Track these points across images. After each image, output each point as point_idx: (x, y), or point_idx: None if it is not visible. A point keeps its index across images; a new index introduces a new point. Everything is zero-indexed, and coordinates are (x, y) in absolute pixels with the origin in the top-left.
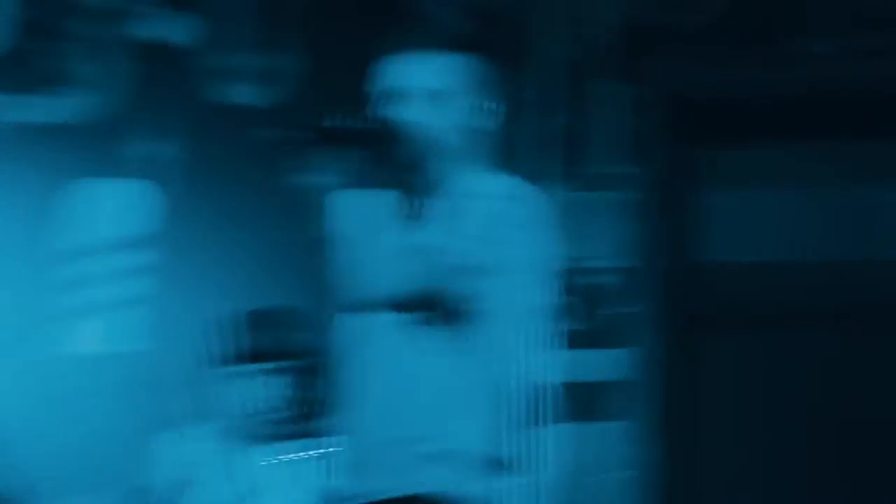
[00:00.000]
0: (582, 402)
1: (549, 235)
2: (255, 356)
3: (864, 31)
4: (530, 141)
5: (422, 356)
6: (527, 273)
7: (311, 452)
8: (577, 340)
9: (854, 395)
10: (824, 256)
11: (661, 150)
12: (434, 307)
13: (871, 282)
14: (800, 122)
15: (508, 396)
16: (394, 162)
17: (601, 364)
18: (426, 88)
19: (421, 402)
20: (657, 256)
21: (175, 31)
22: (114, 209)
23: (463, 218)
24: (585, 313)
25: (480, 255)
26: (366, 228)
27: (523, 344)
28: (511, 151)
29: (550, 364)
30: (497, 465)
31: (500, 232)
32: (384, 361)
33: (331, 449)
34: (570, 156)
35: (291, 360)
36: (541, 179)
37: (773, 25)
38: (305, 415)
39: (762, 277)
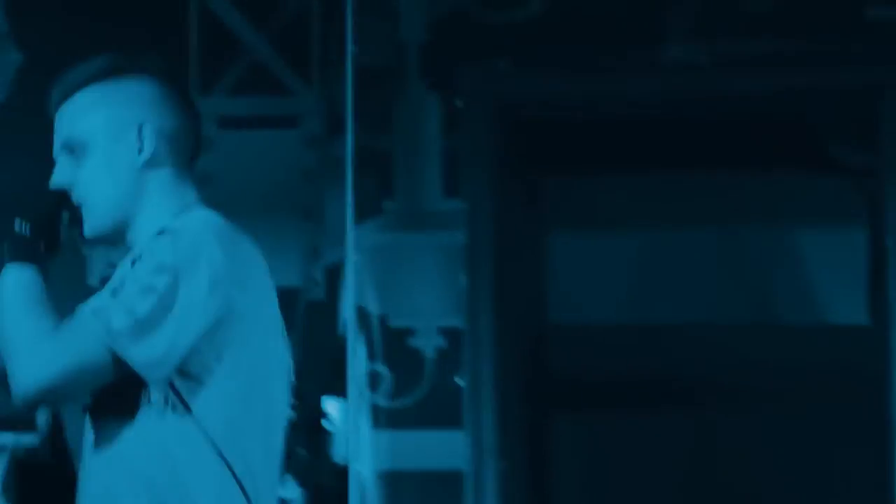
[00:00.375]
0: (402, 495)
1: (250, 279)
2: None
3: (734, 34)
4: (322, 169)
5: (122, 445)
6: (234, 323)
7: None
8: (394, 419)
9: (724, 481)
10: (691, 317)
11: (489, 179)
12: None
13: (745, 349)
14: (660, 144)
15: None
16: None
17: (425, 448)
18: (63, 140)
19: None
20: (489, 315)
21: None
22: None
23: (127, 270)
24: (402, 386)
25: (147, 310)
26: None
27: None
28: (290, 183)
29: (357, 448)
30: None
31: (161, 279)
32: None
33: None
34: (374, 187)
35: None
36: (333, 217)
37: (625, 24)
38: None
39: (618, 342)
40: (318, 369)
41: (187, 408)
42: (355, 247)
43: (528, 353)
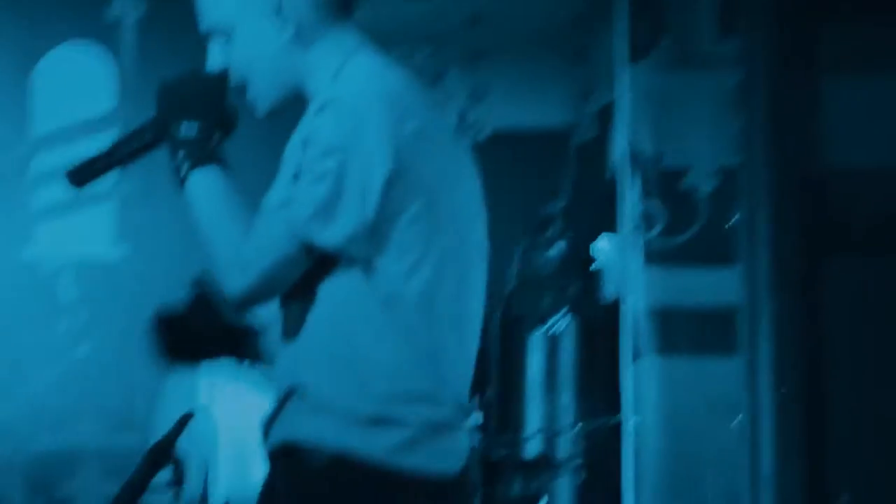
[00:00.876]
0: (673, 330)
1: (420, 130)
2: None
3: None
4: (595, 11)
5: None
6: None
7: None
8: (667, 256)
9: None
10: None
11: (766, 20)
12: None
13: None
14: None
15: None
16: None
17: (696, 285)
18: (209, 24)
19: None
20: (763, 155)
21: None
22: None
23: (299, 154)
24: (674, 224)
25: (326, 195)
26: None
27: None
28: (561, 25)
29: (629, 285)
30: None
31: (332, 161)
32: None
33: None
34: (648, 28)
35: None
36: (605, 58)
37: None
38: None
39: (892, 184)
40: (590, 208)
41: (367, 269)
42: (628, 87)
43: (802, 193)
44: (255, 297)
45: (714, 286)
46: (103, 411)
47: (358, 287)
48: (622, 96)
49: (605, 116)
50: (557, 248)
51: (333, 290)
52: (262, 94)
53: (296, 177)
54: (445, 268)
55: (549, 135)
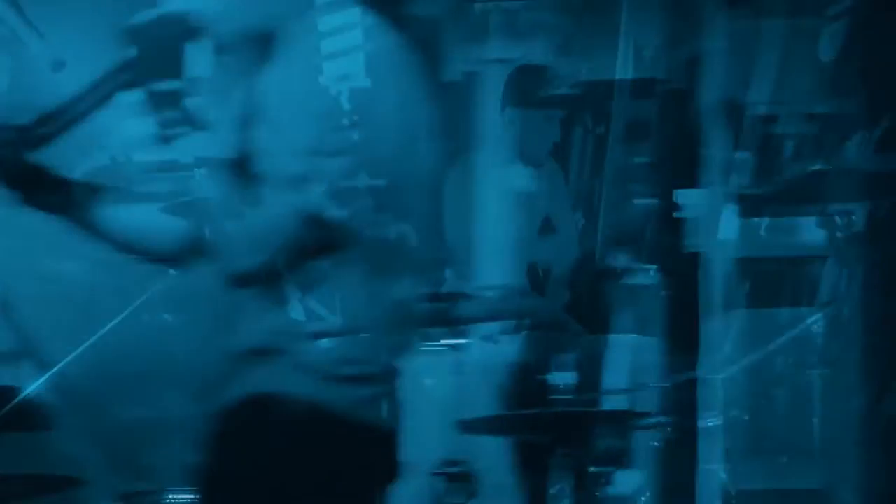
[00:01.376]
0: (760, 280)
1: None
2: None
3: None
4: None
5: None
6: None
7: None
8: (754, 206)
9: None
10: None
11: None
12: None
13: None
14: None
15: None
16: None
17: (784, 235)
18: None
19: None
20: (856, 100)
21: None
22: None
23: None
24: (763, 173)
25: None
26: None
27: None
28: None
29: (715, 235)
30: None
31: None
32: None
33: None
34: None
35: None
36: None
37: None
38: None
39: None
40: (678, 158)
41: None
42: (718, 34)
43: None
44: (262, 271)
45: (802, 235)
46: None
47: None
48: (712, 44)
49: (694, 65)
50: (643, 200)
51: None
52: (231, 31)
53: (315, 152)
54: None
55: (636, 85)
